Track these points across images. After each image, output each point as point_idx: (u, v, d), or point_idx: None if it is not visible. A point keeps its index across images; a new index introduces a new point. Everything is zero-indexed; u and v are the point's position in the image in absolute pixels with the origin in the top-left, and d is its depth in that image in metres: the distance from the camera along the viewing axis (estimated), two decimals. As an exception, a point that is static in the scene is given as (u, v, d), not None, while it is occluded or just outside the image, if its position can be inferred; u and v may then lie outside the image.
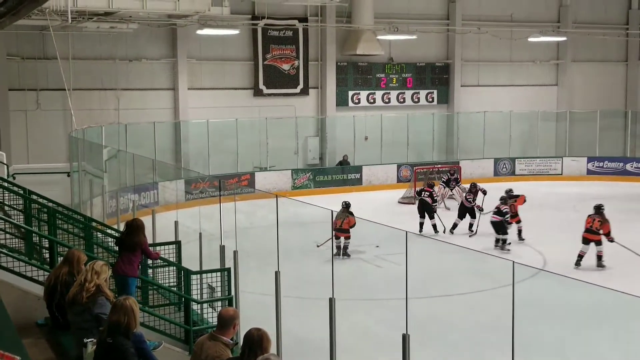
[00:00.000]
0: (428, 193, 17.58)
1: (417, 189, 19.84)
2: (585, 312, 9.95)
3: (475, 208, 17.23)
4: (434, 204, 17.86)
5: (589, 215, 14.09)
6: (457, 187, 21.32)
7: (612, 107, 29.20)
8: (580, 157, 27.12)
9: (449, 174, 21.80)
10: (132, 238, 8.07)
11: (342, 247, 14.66)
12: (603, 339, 9.49)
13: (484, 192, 17.78)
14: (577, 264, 13.64)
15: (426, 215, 17.26)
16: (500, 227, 15.45)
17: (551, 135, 28.70)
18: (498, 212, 15.47)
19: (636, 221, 18.77)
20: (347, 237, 14.71)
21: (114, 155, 17.19)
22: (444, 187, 21.31)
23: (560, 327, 9.87)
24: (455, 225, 17.22)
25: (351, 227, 14.64)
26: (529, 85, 28.96)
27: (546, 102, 28.97)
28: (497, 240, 15.54)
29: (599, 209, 14.10)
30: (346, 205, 15.11)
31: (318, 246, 14.30)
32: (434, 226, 17.15)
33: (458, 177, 22.04)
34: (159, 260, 9.83)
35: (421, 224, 17.14)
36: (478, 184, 18.36)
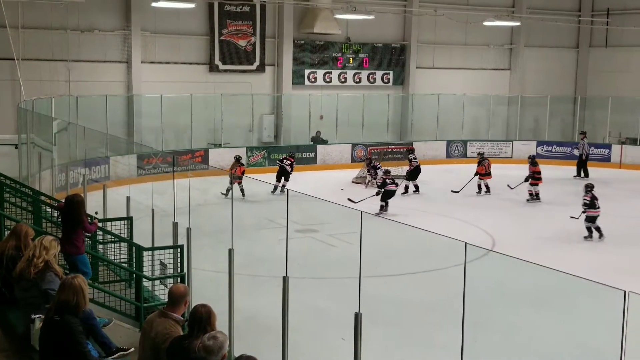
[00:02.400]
0: (289, 162, 20.30)
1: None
2: (532, 293, 10.20)
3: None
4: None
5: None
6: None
7: (562, 92, 29.79)
8: (530, 141, 27.65)
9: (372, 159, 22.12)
10: (73, 215, 7.97)
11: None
12: (548, 319, 9.75)
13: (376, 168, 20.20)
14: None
15: (282, 179, 19.84)
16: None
17: (503, 119, 29.18)
18: None
19: (579, 204, 19.26)
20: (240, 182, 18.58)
21: (64, 128, 16.84)
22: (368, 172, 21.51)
23: (508, 307, 10.10)
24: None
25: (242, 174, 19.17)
26: (483, 69, 29.33)
27: (499, 86, 29.40)
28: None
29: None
30: (237, 159, 19.85)
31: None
32: (283, 186, 19.24)
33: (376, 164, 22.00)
34: (110, 236, 9.72)
35: (275, 187, 19.50)
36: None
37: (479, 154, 22.25)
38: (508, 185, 19.89)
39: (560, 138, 28.28)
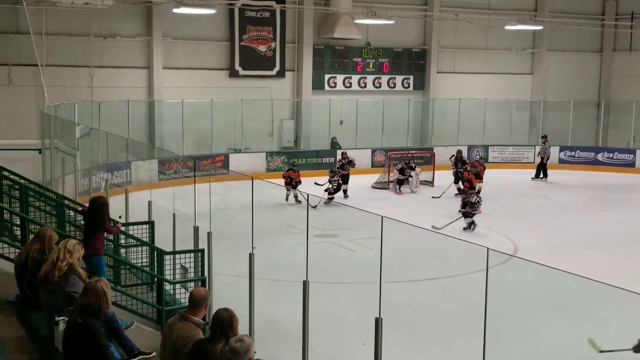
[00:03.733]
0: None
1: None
2: (554, 299, 10.11)
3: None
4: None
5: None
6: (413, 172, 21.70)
7: (585, 97, 29.51)
8: (552, 146, 27.41)
9: (403, 163, 21.82)
10: (97, 217, 7.97)
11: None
12: (570, 325, 9.66)
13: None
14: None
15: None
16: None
17: (525, 124, 28.96)
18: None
19: (603, 210, 19.12)
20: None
21: (87, 133, 16.99)
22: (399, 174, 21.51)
23: (529, 313, 10.02)
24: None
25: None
26: (504, 74, 29.14)
27: (521, 90, 29.19)
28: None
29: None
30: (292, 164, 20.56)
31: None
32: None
33: (413, 165, 22.11)
34: (132, 240, 9.79)
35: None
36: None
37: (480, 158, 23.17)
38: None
39: (583, 143, 28.01)
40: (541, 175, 24.14)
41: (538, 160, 24.97)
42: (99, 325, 5.30)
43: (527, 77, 29.77)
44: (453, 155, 21.75)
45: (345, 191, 20.01)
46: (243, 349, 4.39)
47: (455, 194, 19.74)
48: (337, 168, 20.57)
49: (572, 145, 27.40)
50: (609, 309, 8.92)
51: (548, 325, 9.72)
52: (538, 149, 25.49)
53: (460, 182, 20.07)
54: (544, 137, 25.19)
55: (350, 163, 20.73)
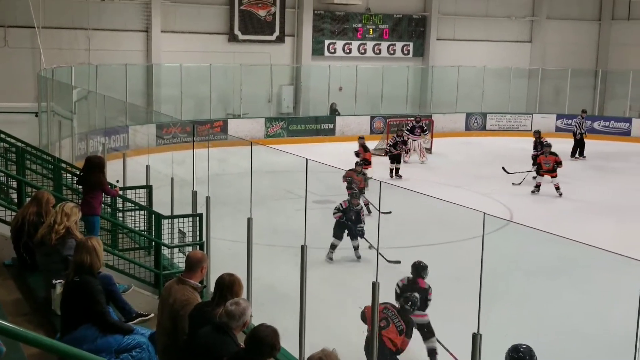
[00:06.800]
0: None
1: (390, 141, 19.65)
2: (550, 265, 10.17)
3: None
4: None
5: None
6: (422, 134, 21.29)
7: (583, 65, 29.36)
8: (549, 114, 27.38)
9: (414, 122, 21.36)
10: (91, 176, 7.93)
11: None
12: (565, 289, 9.74)
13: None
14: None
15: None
16: None
17: (523, 92, 28.86)
18: None
19: (599, 178, 19.17)
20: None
21: (84, 97, 16.89)
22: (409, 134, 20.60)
23: (525, 279, 10.09)
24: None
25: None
26: (504, 41, 28.96)
27: (519, 58, 29.03)
28: None
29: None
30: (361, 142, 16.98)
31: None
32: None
33: (423, 125, 21.63)
34: (130, 204, 9.80)
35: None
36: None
37: None
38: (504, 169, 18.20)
39: (580, 111, 27.91)
40: (577, 155, 22.01)
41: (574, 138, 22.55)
42: (97, 282, 5.32)
43: (526, 45, 29.59)
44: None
45: (397, 170, 18.22)
46: (238, 311, 4.41)
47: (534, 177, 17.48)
48: (389, 146, 18.80)
49: (569, 114, 27.34)
50: (606, 274, 8.98)
51: (544, 292, 9.80)
52: (574, 123, 23.45)
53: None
54: (584, 111, 23.35)
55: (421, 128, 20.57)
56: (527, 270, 10.15)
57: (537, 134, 19.14)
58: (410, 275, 8.23)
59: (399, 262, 9.77)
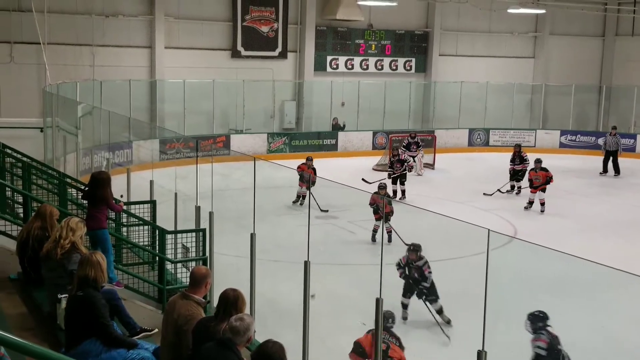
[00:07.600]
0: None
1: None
2: (555, 282, 10.15)
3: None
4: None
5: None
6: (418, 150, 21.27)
7: (586, 81, 29.43)
8: (553, 130, 27.42)
9: (409, 138, 21.46)
10: (97, 191, 7.85)
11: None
12: (569, 306, 9.71)
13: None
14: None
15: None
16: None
17: (526, 108, 28.92)
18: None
19: (603, 194, 19.15)
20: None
21: (89, 112, 16.97)
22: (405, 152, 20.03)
23: (530, 295, 10.07)
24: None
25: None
26: (507, 57, 29.05)
27: (522, 74, 29.11)
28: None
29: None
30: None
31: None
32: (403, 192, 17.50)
33: (419, 141, 21.64)
34: (134, 219, 9.82)
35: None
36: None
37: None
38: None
39: (584, 127, 27.99)
40: (613, 171, 21.61)
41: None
42: (100, 297, 5.34)
43: (529, 61, 29.67)
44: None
45: (403, 192, 17.50)
46: (243, 327, 4.42)
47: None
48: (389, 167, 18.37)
49: (573, 130, 27.40)
50: (613, 292, 8.97)
51: (548, 308, 9.77)
52: (604, 139, 22.80)
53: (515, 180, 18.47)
54: (614, 127, 22.94)
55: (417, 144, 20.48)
56: (531, 286, 10.13)
57: (518, 148, 19.21)
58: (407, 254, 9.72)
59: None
